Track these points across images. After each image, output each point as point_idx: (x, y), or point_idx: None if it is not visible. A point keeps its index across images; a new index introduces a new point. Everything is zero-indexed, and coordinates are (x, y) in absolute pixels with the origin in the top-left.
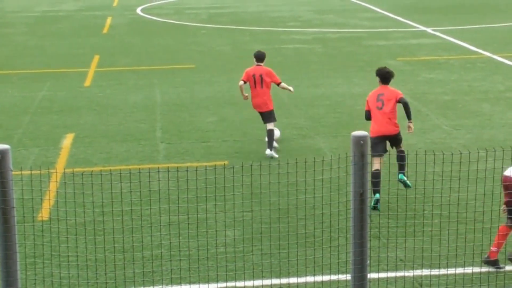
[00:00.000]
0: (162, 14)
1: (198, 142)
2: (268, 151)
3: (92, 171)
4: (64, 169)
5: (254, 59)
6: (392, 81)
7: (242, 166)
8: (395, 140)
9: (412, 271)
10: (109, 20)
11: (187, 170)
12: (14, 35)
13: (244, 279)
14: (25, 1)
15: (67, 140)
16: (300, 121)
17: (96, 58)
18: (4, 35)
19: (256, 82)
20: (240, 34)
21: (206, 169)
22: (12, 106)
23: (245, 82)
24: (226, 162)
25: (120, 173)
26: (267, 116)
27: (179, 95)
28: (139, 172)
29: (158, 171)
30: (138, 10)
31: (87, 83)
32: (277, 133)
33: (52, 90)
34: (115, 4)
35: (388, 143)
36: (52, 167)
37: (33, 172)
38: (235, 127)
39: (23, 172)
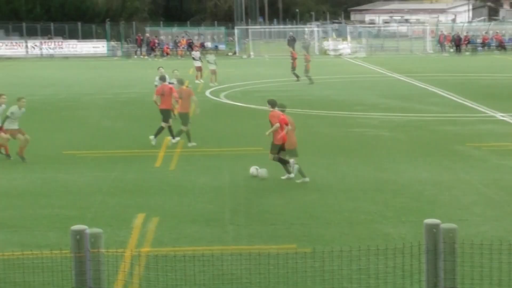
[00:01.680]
0: (230, 96)
1: (266, 224)
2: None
3: (162, 252)
4: (135, 249)
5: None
6: (461, 165)
7: (313, 252)
8: None
9: None
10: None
11: (259, 254)
12: (89, 117)
13: None
14: (100, 84)
15: (138, 220)
16: (367, 206)
17: (167, 140)
18: (80, 117)
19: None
20: (306, 117)
21: (277, 254)
22: (86, 186)
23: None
24: (294, 246)
25: (194, 256)
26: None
27: (247, 177)
28: (212, 255)
29: (230, 255)
30: (207, 93)
31: (158, 164)
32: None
33: (124, 170)
34: (198, 89)
35: None
36: (123, 247)
37: (105, 251)
38: (302, 209)
39: (96, 250)
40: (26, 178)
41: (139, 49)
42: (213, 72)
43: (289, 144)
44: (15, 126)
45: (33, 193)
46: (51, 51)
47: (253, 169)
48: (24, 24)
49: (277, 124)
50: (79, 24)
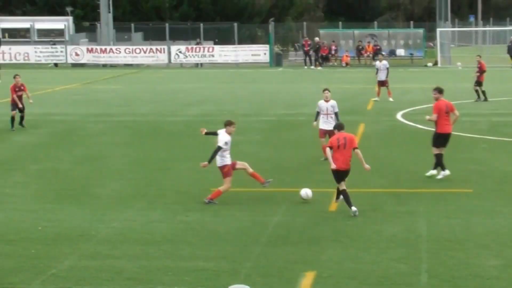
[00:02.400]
0: (410, 116)
1: None
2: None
3: None
4: None
5: None
6: None
7: None
8: None
9: None
10: (361, 128)
11: None
12: (245, 144)
13: None
14: (260, 102)
15: (306, 280)
16: None
17: None
18: (234, 144)
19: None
20: None
21: None
22: (240, 233)
23: None
24: None
25: None
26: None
27: (452, 228)
28: None
29: None
30: (399, 116)
31: (332, 207)
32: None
33: (289, 214)
34: (369, 107)
35: None
36: None
37: None
38: None
39: None
40: (165, 221)
41: (307, 57)
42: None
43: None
44: None
45: (173, 241)
46: (199, 59)
47: (303, 192)
48: (167, 25)
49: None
50: (235, 25)
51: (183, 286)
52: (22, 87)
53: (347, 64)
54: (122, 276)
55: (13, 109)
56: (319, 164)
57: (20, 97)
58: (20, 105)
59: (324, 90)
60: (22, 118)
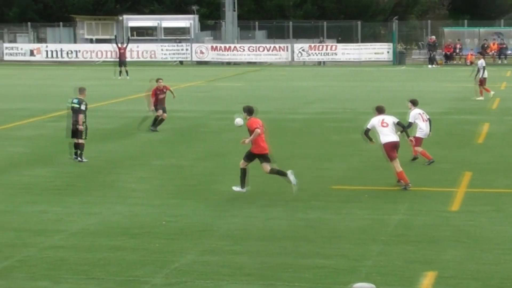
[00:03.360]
0: None
1: None
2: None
3: None
4: None
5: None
6: None
7: None
8: None
9: None
10: (485, 127)
11: None
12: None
13: None
14: (381, 99)
15: (427, 280)
16: None
17: (467, 175)
18: (354, 142)
19: None
20: None
21: None
22: (360, 231)
23: None
24: None
25: None
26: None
27: None
28: None
29: None
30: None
31: (454, 207)
32: None
33: (410, 213)
34: (494, 106)
35: None
36: None
37: None
38: None
39: None
40: (285, 218)
41: (433, 54)
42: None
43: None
44: None
45: (293, 238)
46: (322, 57)
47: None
48: (290, 24)
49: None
50: (358, 23)
51: (303, 283)
52: (165, 89)
53: (471, 62)
54: (243, 272)
55: (156, 110)
56: (440, 163)
57: (162, 100)
58: (160, 109)
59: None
60: (160, 121)
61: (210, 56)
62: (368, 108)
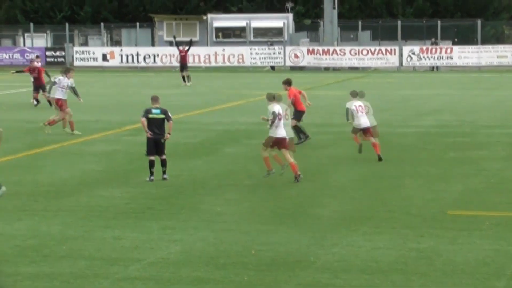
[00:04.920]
0: None
1: None
2: None
3: None
4: None
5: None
6: None
7: None
8: None
9: None
10: None
11: None
12: (487, 161)
13: None
14: (503, 113)
15: None
16: None
17: None
18: (475, 161)
19: None
20: None
21: None
22: (481, 264)
23: None
24: None
25: None
26: None
27: None
28: None
29: None
30: None
31: None
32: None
33: None
34: None
35: None
36: None
37: None
38: None
39: None
40: (393, 247)
41: None
42: None
43: None
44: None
45: (402, 271)
46: (435, 61)
47: None
48: (399, 23)
49: None
50: (478, 22)
51: None
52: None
53: None
54: None
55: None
56: None
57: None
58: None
59: None
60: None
61: (306, 60)
62: (490, 121)
